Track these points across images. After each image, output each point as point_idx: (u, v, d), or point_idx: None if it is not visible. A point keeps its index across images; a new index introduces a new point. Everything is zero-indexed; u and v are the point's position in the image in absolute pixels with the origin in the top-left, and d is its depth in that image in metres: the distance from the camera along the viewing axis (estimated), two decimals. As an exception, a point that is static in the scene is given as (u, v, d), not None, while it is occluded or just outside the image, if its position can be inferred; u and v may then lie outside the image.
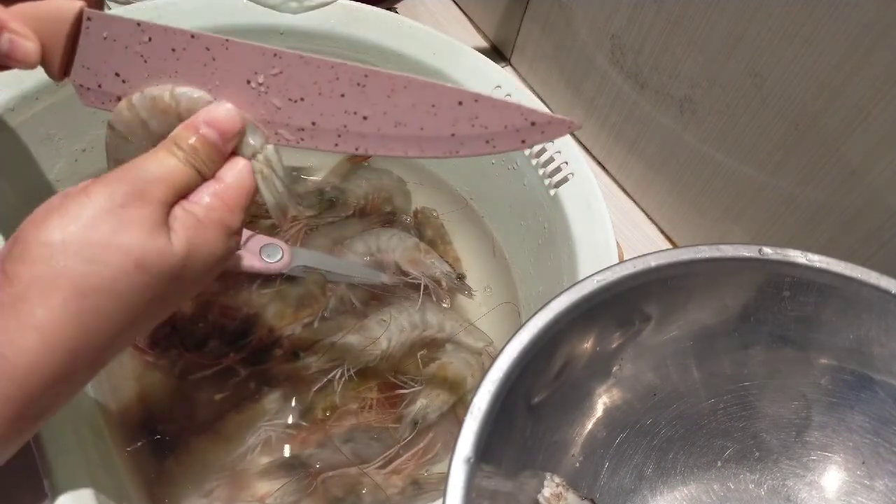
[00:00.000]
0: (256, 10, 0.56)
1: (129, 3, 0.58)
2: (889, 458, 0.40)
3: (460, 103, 0.31)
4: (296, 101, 0.33)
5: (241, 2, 0.56)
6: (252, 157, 0.34)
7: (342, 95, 0.32)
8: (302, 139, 0.33)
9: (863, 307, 0.38)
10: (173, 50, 0.33)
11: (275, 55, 0.32)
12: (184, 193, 0.32)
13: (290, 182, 0.35)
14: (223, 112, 0.33)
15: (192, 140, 0.32)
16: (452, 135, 0.31)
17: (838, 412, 0.41)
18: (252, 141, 0.33)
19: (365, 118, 0.32)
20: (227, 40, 0.32)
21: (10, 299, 0.28)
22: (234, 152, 0.34)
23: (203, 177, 0.32)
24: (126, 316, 0.30)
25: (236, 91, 0.33)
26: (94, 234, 0.29)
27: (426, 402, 0.50)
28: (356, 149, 0.33)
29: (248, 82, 0.33)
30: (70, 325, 0.28)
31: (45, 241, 0.28)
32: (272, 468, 0.47)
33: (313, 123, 0.33)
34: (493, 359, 0.34)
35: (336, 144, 0.33)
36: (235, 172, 0.33)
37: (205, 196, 0.32)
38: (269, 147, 0.34)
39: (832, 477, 0.41)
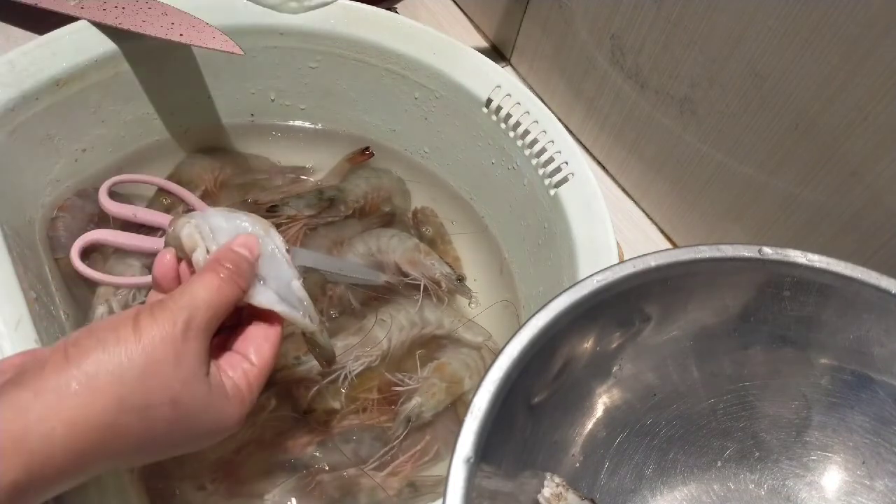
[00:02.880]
0: (256, 10, 0.56)
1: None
2: (889, 458, 0.40)
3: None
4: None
5: (241, 2, 0.56)
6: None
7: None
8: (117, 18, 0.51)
9: (863, 307, 0.38)
10: None
11: None
12: (226, 313, 0.35)
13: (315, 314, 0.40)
14: (247, 235, 0.38)
15: (229, 255, 0.36)
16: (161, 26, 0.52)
17: (838, 412, 0.41)
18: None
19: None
20: None
21: (62, 381, 0.29)
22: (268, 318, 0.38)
23: (243, 291, 0.36)
24: (139, 444, 0.31)
25: None
26: (154, 359, 0.31)
27: (421, 401, 0.50)
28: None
29: None
30: (98, 434, 0.29)
31: (113, 349, 0.30)
32: (272, 467, 0.47)
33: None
34: (494, 359, 0.34)
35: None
36: (265, 354, 0.37)
37: (238, 371, 0.36)
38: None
39: (832, 477, 0.41)
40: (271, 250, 0.39)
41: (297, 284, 0.39)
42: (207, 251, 0.37)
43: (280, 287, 0.38)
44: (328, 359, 0.44)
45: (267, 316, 0.38)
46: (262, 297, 0.37)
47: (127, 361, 0.30)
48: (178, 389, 0.31)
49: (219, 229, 0.38)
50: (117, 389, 0.29)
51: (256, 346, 0.37)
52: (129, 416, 0.30)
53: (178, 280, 0.38)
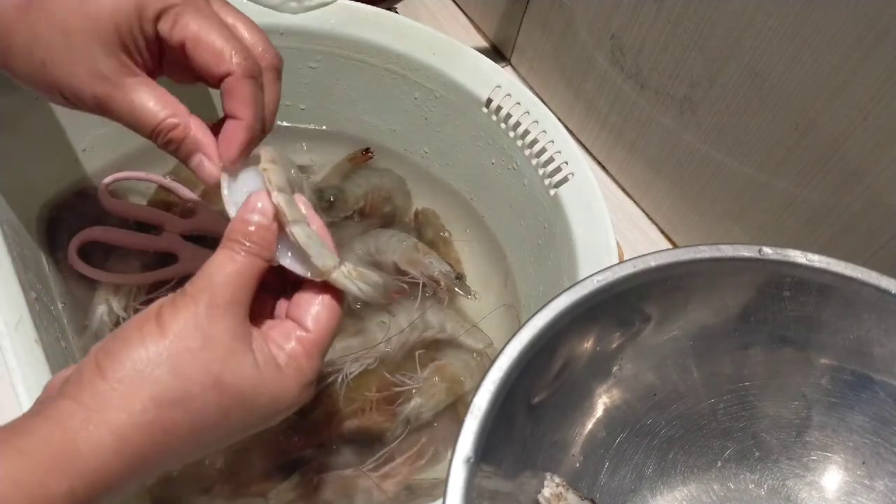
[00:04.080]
0: (256, 10, 0.56)
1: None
2: (889, 458, 0.40)
3: None
4: None
5: (240, 2, 0.56)
6: (333, 271, 0.34)
7: None
8: None
9: (863, 307, 0.38)
10: None
11: None
12: (255, 285, 0.32)
13: (373, 281, 0.36)
14: (260, 199, 0.33)
15: (245, 230, 0.33)
16: None
17: (838, 412, 0.41)
18: (328, 262, 0.34)
19: None
20: None
21: (98, 388, 0.29)
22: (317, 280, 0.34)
23: (266, 261, 0.33)
24: (192, 435, 0.30)
25: None
26: (182, 347, 0.30)
27: (421, 401, 0.50)
28: None
29: None
30: (144, 433, 0.29)
31: (139, 347, 0.29)
32: (272, 468, 0.47)
33: None
34: (494, 358, 0.34)
35: None
36: (322, 319, 0.34)
37: (291, 341, 0.33)
38: (345, 267, 0.35)
39: (832, 477, 0.41)
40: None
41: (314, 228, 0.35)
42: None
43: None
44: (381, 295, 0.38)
45: None
46: (294, 266, 0.34)
47: (155, 356, 0.29)
48: (217, 371, 0.30)
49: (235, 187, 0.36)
50: (150, 386, 0.29)
51: (311, 311, 0.34)
52: (172, 410, 0.29)
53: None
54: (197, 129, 0.36)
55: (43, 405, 0.29)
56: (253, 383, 0.31)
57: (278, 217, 0.33)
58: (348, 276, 0.34)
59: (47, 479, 0.27)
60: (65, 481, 0.27)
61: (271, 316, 0.36)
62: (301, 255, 0.34)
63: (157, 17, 0.35)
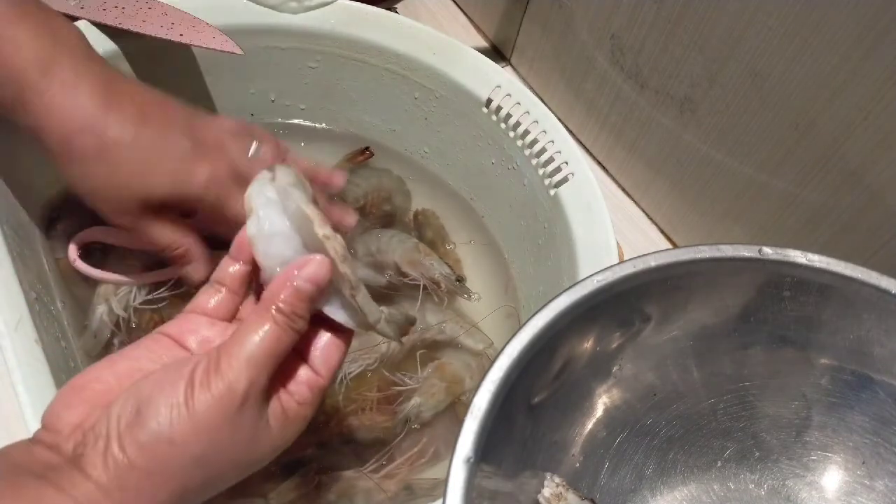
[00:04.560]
0: (256, 9, 0.56)
1: None
2: (889, 458, 0.40)
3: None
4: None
5: (241, 2, 0.56)
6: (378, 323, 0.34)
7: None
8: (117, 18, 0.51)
9: (863, 307, 0.38)
10: None
11: None
12: (283, 358, 0.31)
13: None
14: (318, 265, 0.31)
15: (291, 299, 0.31)
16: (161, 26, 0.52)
17: (838, 412, 0.41)
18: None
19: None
20: None
21: (127, 488, 0.28)
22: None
23: (301, 333, 0.32)
24: (202, 494, 0.31)
25: None
26: (211, 442, 0.29)
27: (420, 401, 0.50)
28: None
29: None
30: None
31: (168, 444, 0.29)
32: (272, 469, 0.47)
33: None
34: (494, 358, 0.34)
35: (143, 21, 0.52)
36: (335, 364, 0.34)
37: (303, 387, 0.33)
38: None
39: (832, 477, 0.41)
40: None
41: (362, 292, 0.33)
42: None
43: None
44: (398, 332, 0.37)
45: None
46: (337, 314, 0.33)
47: (182, 452, 0.29)
48: (240, 458, 0.31)
49: (273, 230, 0.32)
50: (179, 481, 0.29)
51: (327, 355, 0.33)
52: (194, 495, 0.31)
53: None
54: (194, 249, 0.46)
55: (55, 474, 0.28)
56: (263, 443, 0.32)
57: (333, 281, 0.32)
58: (387, 320, 0.34)
59: None
60: None
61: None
62: (351, 310, 0.33)
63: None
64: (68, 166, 0.41)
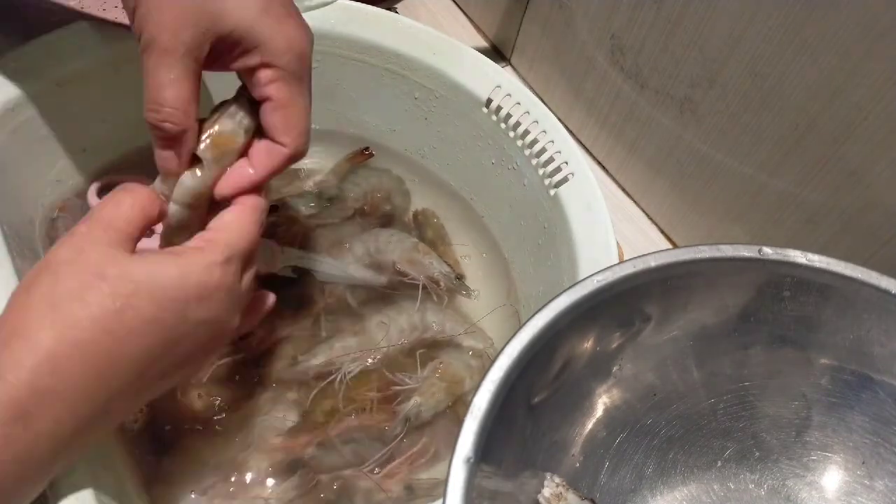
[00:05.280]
0: (256, 10, 0.56)
1: None
2: (889, 458, 0.40)
3: None
4: None
5: (241, 2, 0.55)
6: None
7: None
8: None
9: (863, 307, 0.38)
10: None
11: None
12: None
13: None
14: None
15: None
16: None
17: (838, 412, 0.41)
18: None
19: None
20: None
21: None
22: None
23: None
24: (142, 357, 0.32)
25: None
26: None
27: (420, 401, 0.50)
28: None
29: None
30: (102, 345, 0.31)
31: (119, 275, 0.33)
32: (271, 468, 0.47)
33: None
34: (494, 358, 0.34)
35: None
36: (225, 219, 0.37)
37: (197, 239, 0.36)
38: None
39: (832, 477, 0.41)
40: None
41: None
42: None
43: None
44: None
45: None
46: None
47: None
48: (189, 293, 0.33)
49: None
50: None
51: (219, 217, 0.37)
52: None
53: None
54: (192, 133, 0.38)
55: None
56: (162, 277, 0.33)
57: None
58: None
59: None
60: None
61: None
62: None
63: (240, 51, 0.37)
64: None
